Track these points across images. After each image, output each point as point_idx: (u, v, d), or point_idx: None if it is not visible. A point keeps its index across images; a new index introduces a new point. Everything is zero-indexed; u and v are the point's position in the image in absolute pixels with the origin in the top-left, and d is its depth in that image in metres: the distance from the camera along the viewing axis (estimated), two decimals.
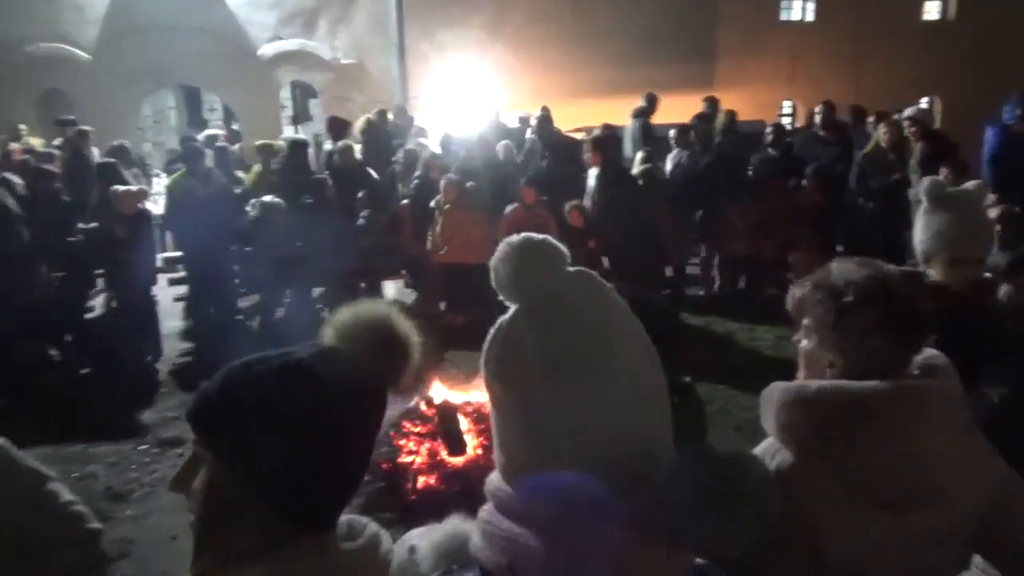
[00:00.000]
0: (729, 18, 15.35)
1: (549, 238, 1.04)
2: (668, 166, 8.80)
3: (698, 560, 1.00)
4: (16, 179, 7.19)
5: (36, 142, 10.61)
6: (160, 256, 8.85)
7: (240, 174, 9.19)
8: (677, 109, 10.24)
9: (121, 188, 6.96)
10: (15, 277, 6.35)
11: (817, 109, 8.85)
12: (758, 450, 1.57)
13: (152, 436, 5.56)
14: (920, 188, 2.48)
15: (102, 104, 13.53)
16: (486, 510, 1.03)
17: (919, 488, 1.41)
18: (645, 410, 0.96)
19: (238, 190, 8.48)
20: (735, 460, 0.93)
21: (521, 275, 1.00)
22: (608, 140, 8.16)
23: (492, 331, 1.02)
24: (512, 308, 1.02)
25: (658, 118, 10.12)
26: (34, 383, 6.32)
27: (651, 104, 9.89)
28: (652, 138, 9.29)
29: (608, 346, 0.96)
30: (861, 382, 1.42)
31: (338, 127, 9.55)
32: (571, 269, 1.03)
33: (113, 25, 14.41)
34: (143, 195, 7.18)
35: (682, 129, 9.00)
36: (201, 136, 9.93)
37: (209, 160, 8.39)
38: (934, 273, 2.50)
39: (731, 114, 9.54)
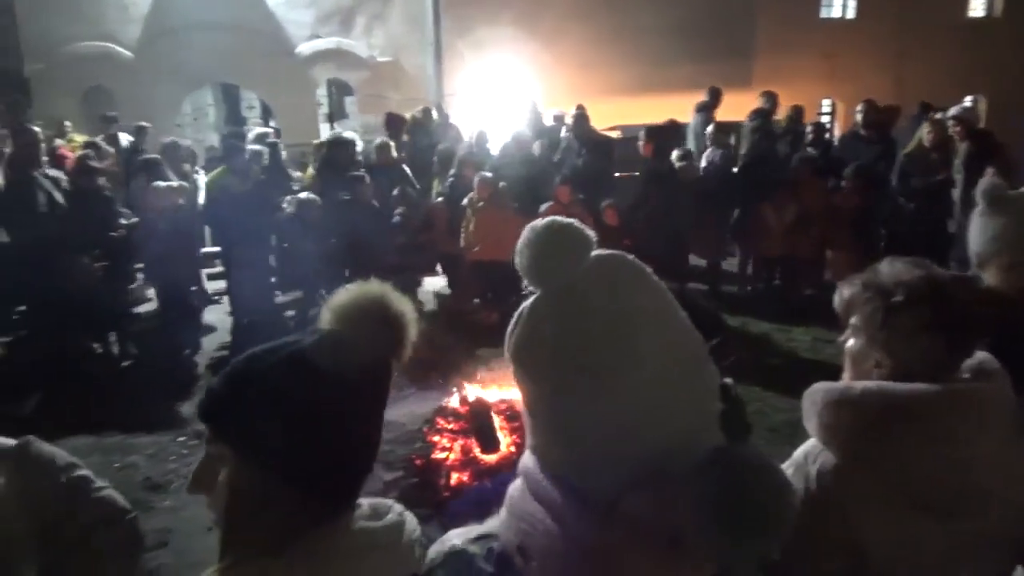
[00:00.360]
0: (767, 15, 15.15)
1: (575, 222, 0.99)
2: (703, 164, 8.74)
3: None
4: (60, 174, 7.34)
5: (80, 139, 10.85)
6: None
7: (297, 173, 9.35)
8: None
9: (163, 184, 7.08)
10: (57, 270, 6.49)
11: (859, 108, 8.70)
12: (800, 452, 1.55)
13: (190, 428, 5.64)
14: (976, 190, 2.41)
15: (144, 101, 13.78)
16: (515, 486, 1.02)
17: (965, 494, 1.38)
18: (670, 404, 0.90)
19: (296, 187, 8.59)
20: (756, 466, 0.85)
21: (543, 260, 0.97)
22: (663, 131, 8.12)
23: (514, 317, 1.00)
24: (534, 295, 0.99)
25: (689, 116, 10.04)
26: (76, 375, 6.46)
27: (714, 98, 9.90)
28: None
29: (630, 336, 0.91)
30: (908, 384, 1.39)
31: (396, 124, 9.69)
32: (602, 253, 0.99)
33: (155, 24, 14.67)
34: (183, 191, 7.30)
35: (719, 127, 8.93)
36: (252, 133, 10.11)
37: (264, 158, 8.56)
38: (988, 277, 2.44)
39: (798, 109, 9.39)
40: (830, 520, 1.40)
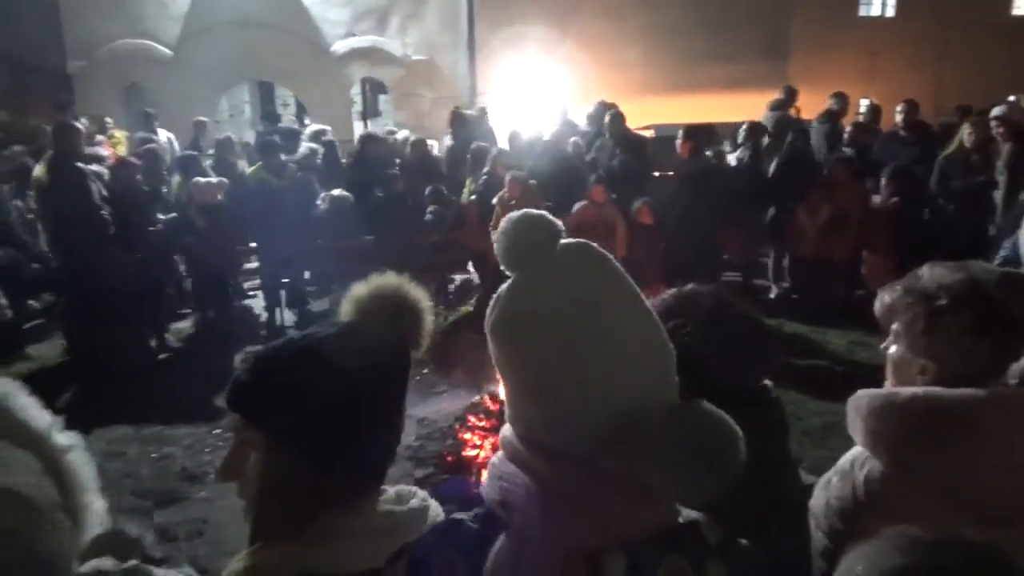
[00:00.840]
0: (805, 14, 14.97)
1: (545, 214, 1.10)
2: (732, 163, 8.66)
3: (694, 513, 1.03)
4: (101, 169, 7.49)
5: (120, 134, 11.07)
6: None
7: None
8: (748, 107, 10.05)
9: (202, 179, 7.20)
10: (98, 263, 6.62)
11: (899, 108, 8.56)
12: (846, 459, 1.53)
13: (225, 421, 5.71)
14: None
15: (181, 98, 14.00)
16: (497, 456, 1.10)
17: (1015, 502, 1.36)
18: (632, 372, 1.00)
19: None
20: (709, 418, 0.96)
21: (516, 247, 1.08)
22: (701, 131, 8.07)
23: (492, 299, 1.11)
24: (510, 278, 1.10)
25: (724, 116, 9.95)
26: (115, 366, 6.58)
27: (789, 97, 9.84)
28: (800, 131, 9.11)
29: (596, 313, 1.01)
30: (954, 390, 1.37)
31: (458, 121, 9.86)
32: (570, 242, 1.09)
33: (193, 22, 14.89)
34: (222, 186, 7.40)
35: (752, 127, 8.84)
36: (309, 130, 10.29)
37: (319, 155, 8.78)
38: None
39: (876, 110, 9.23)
40: (880, 528, 1.39)
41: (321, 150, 8.86)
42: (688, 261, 7.15)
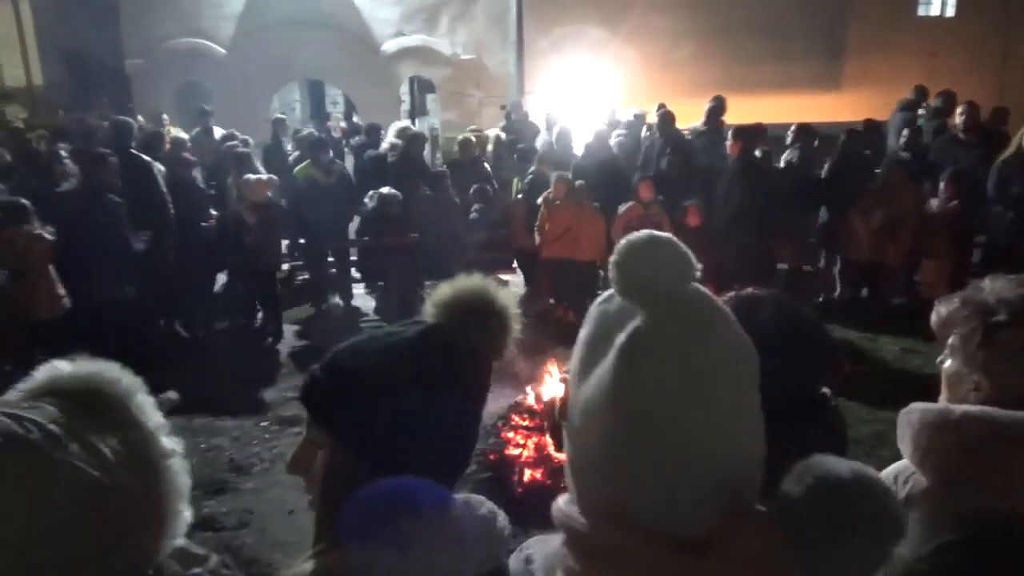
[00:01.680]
0: (862, 13, 14.61)
1: (679, 244, 0.93)
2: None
3: None
4: (159, 165, 7.69)
5: (176, 132, 11.33)
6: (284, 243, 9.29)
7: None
8: (801, 108, 9.87)
9: (252, 176, 7.33)
10: (154, 255, 6.80)
11: (959, 110, 8.32)
12: (890, 471, 1.50)
13: (272, 414, 5.85)
14: None
15: (235, 97, 14.29)
16: (534, 541, 1.06)
17: None
18: (742, 435, 0.89)
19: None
20: (859, 481, 0.84)
21: (648, 279, 0.89)
22: (750, 131, 7.97)
23: (618, 354, 0.88)
24: (637, 318, 0.89)
25: (777, 117, 9.77)
26: (163, 359, 6.74)
27: (920, 96, 9.70)
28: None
29: (724, 371, 0.88)
30: (1010, 411, 1.33)
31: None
32: (697, 286, 0.92)
33: (248, 21, 15.18)
34: (272, 184, 7.54)
35: (800, 129, 8.68)
36: (393, 127, 10.54)
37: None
38: None
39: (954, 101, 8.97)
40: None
41: (400, 144, 9.00)
42: (739, 264, 7.04)
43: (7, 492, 0.91)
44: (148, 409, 1.07)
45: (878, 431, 4.82)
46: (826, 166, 8.21)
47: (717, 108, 8.86)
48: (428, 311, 1.21)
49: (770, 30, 13.77)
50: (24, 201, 5.94)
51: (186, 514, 1.09)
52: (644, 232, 0.93)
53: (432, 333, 1.17)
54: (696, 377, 0.86)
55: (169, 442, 1.07)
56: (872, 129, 9.08)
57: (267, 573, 3.90)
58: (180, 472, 1.08)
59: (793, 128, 8.60)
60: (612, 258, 0.92)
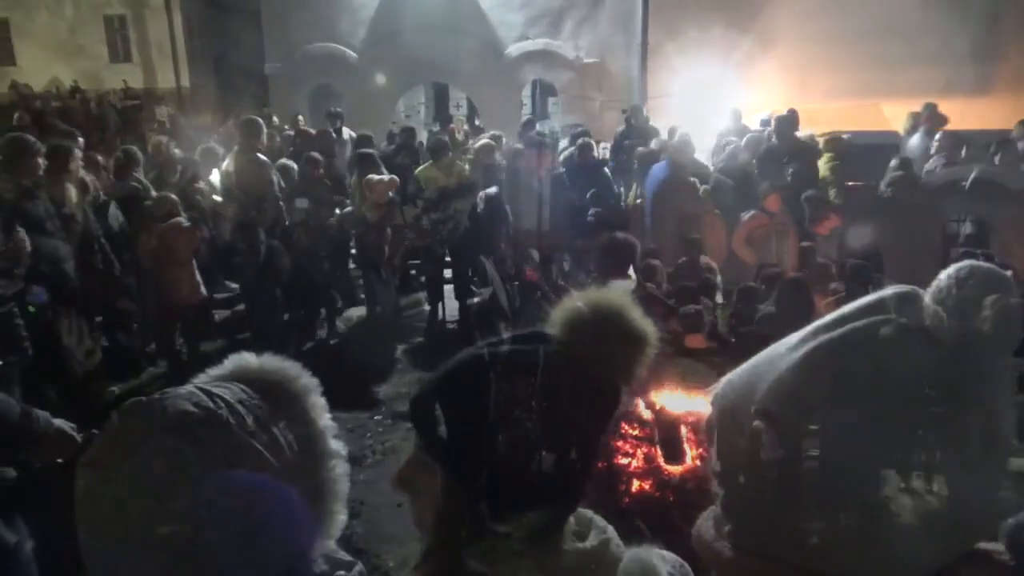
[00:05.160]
0: (1018, 14, 13.58)
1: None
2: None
3: None
4: (291, 164, 8.03)
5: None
6: None
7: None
8: (952, 114, 9.21)
9: (375, 177, 7.53)
10: (275, 250, 7.09)
11: None
12: None
13: (387, 408, 5.97)
14: None
15: (364, 99, 14.81)
16: None
17: None
18: None
19: None
20: None
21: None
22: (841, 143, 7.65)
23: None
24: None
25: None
26: (288, 350, 7.01)
27: None
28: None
29: None
30: None
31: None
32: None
33: (379, 26, 15.71)
34: (393, 184, 7.71)
35: (946, 136, 8.13)
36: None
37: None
38: None
39: None
40: None
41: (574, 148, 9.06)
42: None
43: (199, 463, 0.91)
44: (321, 410, 1.07)
45: None
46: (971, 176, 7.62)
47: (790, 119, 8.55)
48: (555, 321, 1.13)
49: (909, 34, 13.00)
50: (173, 196, 6.43)
51: (342, 517, 1.08)
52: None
53: (561, 357, 1.09)
54: None
55: (337, 444, 1.07)
56: None
57: (376, 564, 3.95)
58: (343, 476, 1.07)
59: (938, 136, 8.06)
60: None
